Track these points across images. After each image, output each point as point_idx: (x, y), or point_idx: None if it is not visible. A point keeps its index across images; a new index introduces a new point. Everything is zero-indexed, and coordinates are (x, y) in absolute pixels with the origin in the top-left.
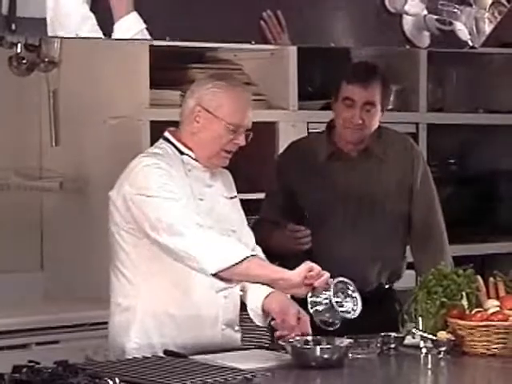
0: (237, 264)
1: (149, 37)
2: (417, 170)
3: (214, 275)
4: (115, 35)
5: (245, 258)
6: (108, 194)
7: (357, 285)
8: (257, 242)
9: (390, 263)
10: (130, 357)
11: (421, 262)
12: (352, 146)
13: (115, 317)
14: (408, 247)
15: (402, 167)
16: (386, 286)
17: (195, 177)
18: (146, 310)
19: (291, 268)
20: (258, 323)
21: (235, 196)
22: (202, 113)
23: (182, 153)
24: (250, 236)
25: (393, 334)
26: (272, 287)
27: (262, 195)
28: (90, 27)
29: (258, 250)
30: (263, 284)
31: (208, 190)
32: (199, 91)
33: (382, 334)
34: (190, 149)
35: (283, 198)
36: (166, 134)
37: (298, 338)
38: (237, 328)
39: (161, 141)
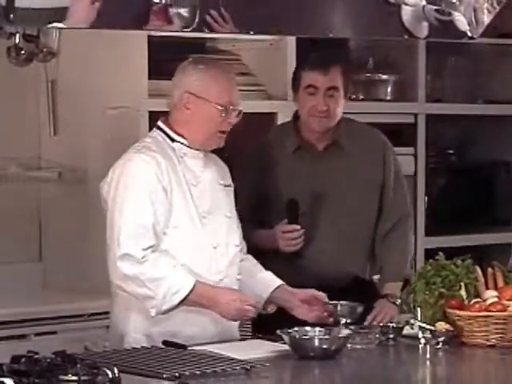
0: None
1: None
2: (389, 165)
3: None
4: None
5: (186, 296)
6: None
7: (331, 278)
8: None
9: (364, 257)
10: (129, 347)
11: (384, 255)
12: (318, 135)
13: (115, 306)
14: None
15: (371, 161)
16: (364, 279)
17: (187, 163)
18: None
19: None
20: None
21: (230, 185)
22: (191, 98)
23: (173, 140)
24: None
25: (391, 325)
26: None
27: None
28: None
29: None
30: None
31: (201, 175)
32: (185, 78)
33: (381, 324)
34: (181, 136)
35: (251, 196)
36: (159, 122)
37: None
38: None
39: (154, 129)
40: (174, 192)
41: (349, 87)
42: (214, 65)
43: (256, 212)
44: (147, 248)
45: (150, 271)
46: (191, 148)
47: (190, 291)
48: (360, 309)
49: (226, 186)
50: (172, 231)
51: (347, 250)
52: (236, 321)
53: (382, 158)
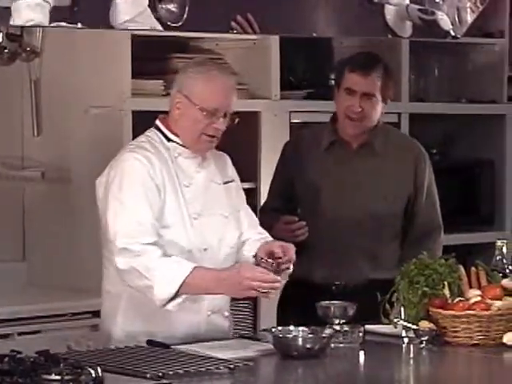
0: (181, 286)
1: None
2: (422, 177)
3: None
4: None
5: (184, 280)
6: (95, 182)
7: (347, 276)
8: None
9: (382, 256)
10: (113, 347)
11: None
12: (354, 137)
13: (105, 304)
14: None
15: (402, 167)
16: (377, 279)
17: (181, 164)
18: (132, 298)
19: None
20: None
21: (231, 181)
22: (181, 99)
23: (169, 140)
24: (252, 220)
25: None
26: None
27: (244, 184)
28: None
29: (266, 235)
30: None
31: (196, 176)
32: (180, 78)
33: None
34: (177, 135)
35: (283, 186)
36: (157, 121)
37: (277, 328)
38: (226, 314)
39: (151, 128)
40: (166, 192)
41: (389, 92)
42: (212, 68)
43: (287, 205)
44: (146, 244)
45: (145, 261)
46: (186, 148)
47: (187, 277)
48: (352, 309)
49: (225, 183)
50: (162, 231)
51: (364, 248)
52: (251, 295)
53: (415, 168)
